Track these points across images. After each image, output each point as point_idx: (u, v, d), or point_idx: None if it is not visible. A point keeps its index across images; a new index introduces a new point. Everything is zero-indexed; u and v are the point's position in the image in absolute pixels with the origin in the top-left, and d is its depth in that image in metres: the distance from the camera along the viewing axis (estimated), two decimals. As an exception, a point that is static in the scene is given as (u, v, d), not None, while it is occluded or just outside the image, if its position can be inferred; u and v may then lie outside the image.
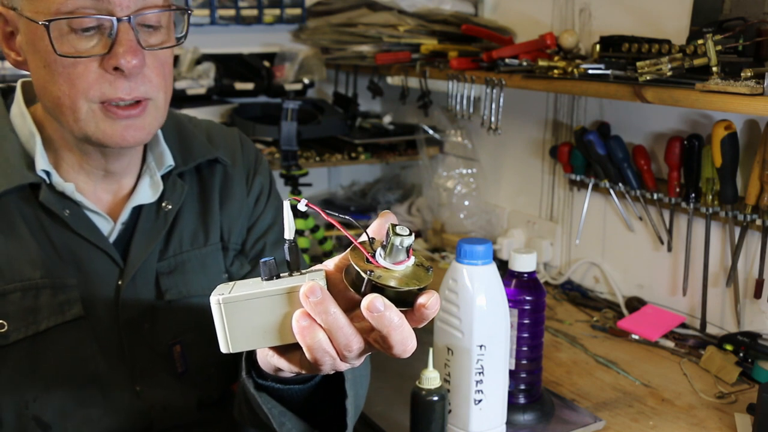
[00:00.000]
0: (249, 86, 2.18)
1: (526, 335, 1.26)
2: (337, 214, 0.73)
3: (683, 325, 1.64)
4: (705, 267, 1.57)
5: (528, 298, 1.25)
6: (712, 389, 1.40)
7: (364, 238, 0.72)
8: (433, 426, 1.15)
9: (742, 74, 1.21)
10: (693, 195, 1.55)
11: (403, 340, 0.70)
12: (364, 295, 0.69)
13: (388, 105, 2.45)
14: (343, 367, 0.75)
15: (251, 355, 0.88)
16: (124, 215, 1.08)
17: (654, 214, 1.69)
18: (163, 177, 1.11)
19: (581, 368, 1.49)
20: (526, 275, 1.26)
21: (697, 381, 1.43)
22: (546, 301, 1.29)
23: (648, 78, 1.35)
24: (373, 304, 0.67)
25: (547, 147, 1.92)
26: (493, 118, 1.75)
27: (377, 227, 0.73)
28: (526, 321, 1.25)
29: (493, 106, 1.73)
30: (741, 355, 1.45)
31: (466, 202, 2.12)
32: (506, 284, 1.24)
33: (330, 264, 0.76)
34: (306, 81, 2.24)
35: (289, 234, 0.73)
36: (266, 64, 2.23)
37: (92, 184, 1.07)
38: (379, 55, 1.99)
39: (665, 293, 1.70)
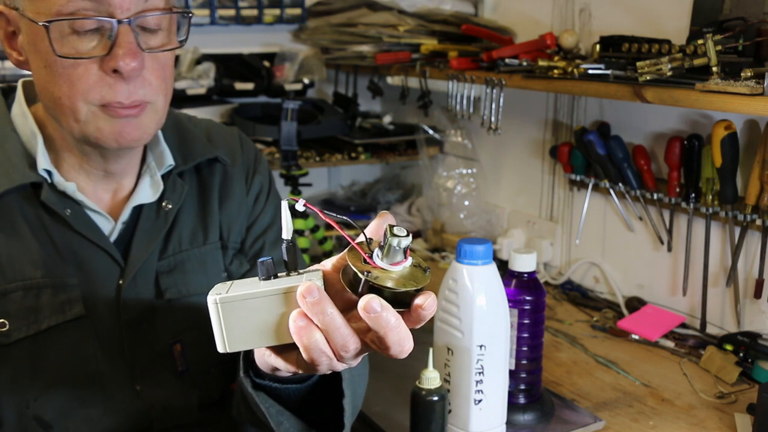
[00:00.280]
0: (249, 86, 2.18)
1: (526, 335, 1.26)
2: (335, 215, 0.73)
3: (683, 325, 1.64)
4: (705, 267, 1.57)
5: (528, 298, 1.25)
6: (712, 389, 1.40)
7: (361, 238, 0.72)
8: (433, 426, 1.15)
9: (742, 74, 1.21)
10: (693, 195, 1.55)
11: (400, 340, 0.70)
12: (361, 295, 0.69)
13: (388, 105, 2.45)
14: (339, 367, 0.75)
15: (249, 354, 0.88)
16: (125, 215, 1.09)
17: (654, 214, 1.69)
18: (163, 176, 1.11)
19: (581, 368, 1.50)
20: (526, 275, 1.26)
21: (697, 381, 1.43)
22: (546, 301, 1.29)
23: (648, 78, 1.35)
24: (370, 304, 0.67)
25: (547, 147, 1.92)
26: (493, 118, 1.75)
27: (375, 228, 0.73)
28: (526, 321, 1.25)
29: (493, 106, 1.74)
30: (741, 355, 1.45)
31: (466, 202, 2.12)
32: (506, 284, 1.24)
33: (327, 264, 0.76)
34: (306, 81, 2.24)
35: (286, 234, 0.73)
36: (266, 64, 2.23)
37: (92, 184, 1.08)
38: (379, 55, 1.99)
39: (665, 293, 1.70)
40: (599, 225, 1.84)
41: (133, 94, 0.97)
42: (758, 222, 1.46)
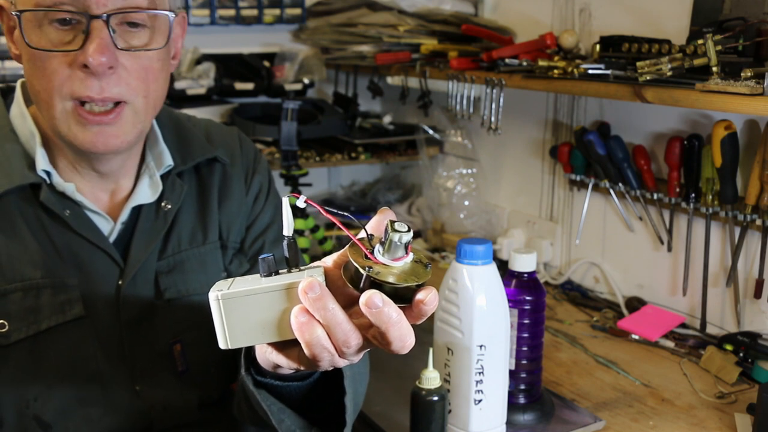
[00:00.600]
0: (249, 86, 2.18)
1: (526, 335, 1.26)
2: (336, 211, 0.73)
3: (683, 325, 1.64)
4: (705, 267, 1.57)
5: (528, 298, 1.25)
6: (712, 389, 1.40)
7: (362, 234, 0.72)
8: (433, 426, 1.15)
9: (742, 74, 1.21)
10: (693, 195, 1.55)
11: (402, 336, 0.70)
12: (362, 291, 0.69)
13: (388, 105, 2.45)
14: (341, 363, 0.75)
15: (250, 352, 0.88)
16: (124, 215, 1.08)
17: (654, 214, 1.69)
18: (162, 177, 1.11)
19: (581, 368, 1.49)
20: (526, 275, 1.26)
21: (697, 381, 1.43)
22: (546, 301, 1.29)
23: (648, 78, 1.35)
24: (371, 300, 0.67)
25: (547, 147, 1.92)
26: (493, 118, 1.75)
27: (376, 224, 0.73)
28: (526, 321, 1.25)
29: (493, 106, 1.73)
30: (741, 355, 1.45)
31: (466, 202, 2.12)
32: (506, 284, 1.24)
33: (328, 261, 0.77)
34: (306, 81, 2.24)
35: (288, 230, 0.73)
36: (266, 64, 2.23)
37: (89, 184, 1.07)
38: (379, 55, 1.99)
39: (665, 293, 1.70)
40: (599, 225, 1.84)
41: (105, 91, 0.95)
42: (758, 222, 1.46)
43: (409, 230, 0.69)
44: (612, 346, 1.59)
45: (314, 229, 1.99)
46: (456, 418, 1.20)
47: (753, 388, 1.39)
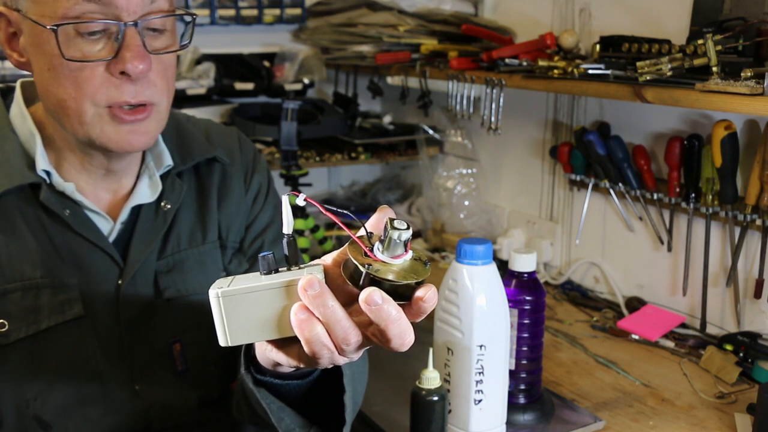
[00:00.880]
0: (249, 86, 2.18)
1: (526, 335, 1.26)
2: (335, 209, 0.73)
3: (683, 325, 1.64)
4: (705, 267, 1.57)
5: (528, 298, 1.25)
6: (712, 389, 1.40)
7: (362, 232, 0.72)
8: (433, 426, 1.15)
9: (742, 74, 1.21)
10: (693, 195, 1.55)
11: (401, 333, 0.70)
12: (362, 288, 0.69)
13: (388, 105, 2.45)
14: (341, 361, 0.75)
15: (250, 350, 0.88)
16: (124, 215, 1.09)
17: (654, 214, 1.69)
18: (162, 176, 1.11)
19: (581, 368, 1.49)
20: (526, 275, 1.26)
21: (697, 381, 1.43)
22: (546, 301, 1.29)
23: (648, 78, 1.35)
24: (371, 297, 0.67)
25: (547, 147, 1.92)
26: (493, 118, 1.75)
27: (375, 222, 0.73)
28: (526, 321, 1.25)
29: (493, 106, 1.73)
30: (741, 355, 1.45)
31: (466, 202, 2.12)
32: (506, 284, 1.24)
33: (328, 258, 0.77)
34: (306, 81, 2.24)
35: (287, 228, 0.73)
36: (266, 64, 2.23)
37: (93, 183, 1.08)
38: (379, 55, 1.99)
39: (665, 293, 1.70)
40: (599, 225, 1.84)
41: (139, 95, 0.98)
42: (758, 222, 1.46)
43: (408, 228, 0.69)
44: (612, 346, 1.59)
45: (314, 229, 1.99)
46: (456, 418, 1.20)
47: (753, 388, 1.39)
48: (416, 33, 1.99)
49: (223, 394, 1.18)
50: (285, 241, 0.74)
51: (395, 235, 0.69)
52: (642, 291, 1.76)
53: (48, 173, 1.03)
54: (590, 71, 1.50)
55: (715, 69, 1.27)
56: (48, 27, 0.93)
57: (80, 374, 1.05)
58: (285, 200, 0.73)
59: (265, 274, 0.74)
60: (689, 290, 1.63)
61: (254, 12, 2.25)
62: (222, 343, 0.74)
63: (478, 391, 1.17)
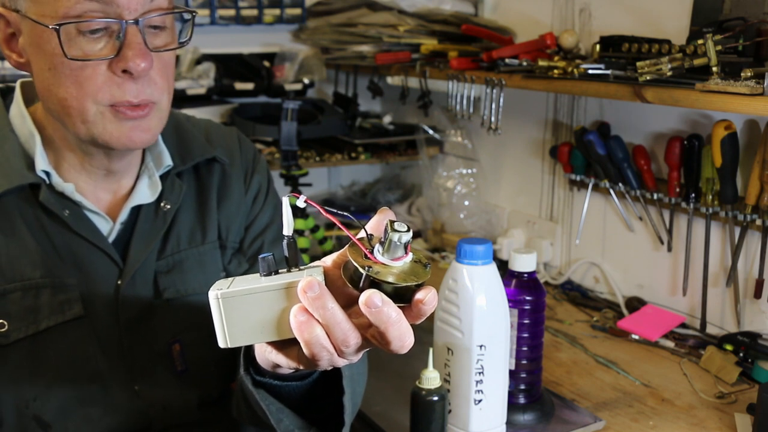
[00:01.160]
0: (249, 86, 2.18)
1: (526, 335, 1.26)
2: (335, 211, 0.73)
3: (683, 325, 1.64)
4: (705, 267, 1.57)
5: (528, 298, 1.25)
6: (712, 389, 1.40)
7: (362, 234, 0.72)
8: (433, 426, 1.15)
9: (742, 74, 1.21)
10: (693, 195, 1.55)
11: (401, 335, 0.70)
12: (362, 290, 0.69)
13: (388, 105, 2.45)
14: (340, 362, 0.75)
15: (249, 351, 0.88)
16: (123, 215, 1.09)
17: (654, 214, 1.69)
18: (161, 177, 1.11)
19: (581, 368, 1.49)
20: (526, 275, 1.26)
21: (697, 381, 1.43)
22: (546, 301, 1.29)
23: (648, 78, 1.35)
24: (371, 299, 0.67)
25: (547, 147, 1.92)
26: (493, 118, 1.75)
27: (375, 224, 0.73)
28: (526, 321, 1.25)
29: (493, 106, 1.73)
30: (741, 355, 1.45)
31: (466, 202, 2.12)
32: (506, 284, 1.24)
33: (328, 260, 0.77)
34: (306, 81, 2.24)
35: (287, 230, 0.73)
36: (266, 64, 2.23)
37: (93, 183, 1.08)
38: (379, 55, 1.99)
39: (665, 293, 1.70)
40: (599, 225, 1.84)
41: (141, 93, 0.98)
42: (758, 222, 1.46)
43: (408, 230, 0.69)
44: (612, 346, 1.59)
45: (314, 229, 1.99)
46: (456, 418, 1.20)
47: (753, 388, 1.39)
48: (416, 33, 1.99)
49: (223, 394, 1.18)
50: (285, 242, 0.74)
51: (395, 237, 0.69)
52: (642, 291, 1.76)
53: (47, 173, 1.03)
54: (590, 71, 1.50)
55: (715, 69, 1.27)
56: (50, 27, 0.93)
57: (80, 374, 1.05)
58: (285, 202, 0.73)
59: (264, 275, 0.74)
60: (689, 290, 1.63)
61: (254, 12, 2.25)
62: (221, 344, 0.74)
63: (478, 391, 1.17)
